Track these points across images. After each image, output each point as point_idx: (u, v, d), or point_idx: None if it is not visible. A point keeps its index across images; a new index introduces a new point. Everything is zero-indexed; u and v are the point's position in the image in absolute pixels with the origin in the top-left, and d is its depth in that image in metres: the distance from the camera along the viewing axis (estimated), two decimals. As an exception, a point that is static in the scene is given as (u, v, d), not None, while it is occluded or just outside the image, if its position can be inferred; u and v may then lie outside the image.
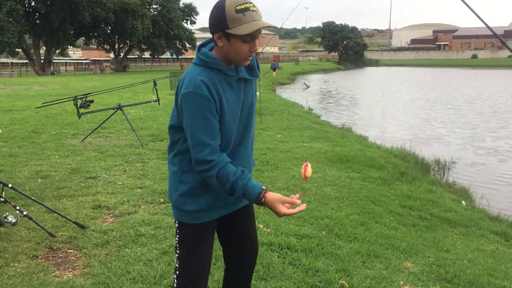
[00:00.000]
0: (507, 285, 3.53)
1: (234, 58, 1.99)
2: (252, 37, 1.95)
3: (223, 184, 1.91)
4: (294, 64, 67.12)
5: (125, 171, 6.18)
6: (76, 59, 71.12)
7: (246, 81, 2.08)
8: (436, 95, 27.24)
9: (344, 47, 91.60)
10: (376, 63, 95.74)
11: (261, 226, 4.25)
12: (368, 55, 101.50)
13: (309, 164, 2.74)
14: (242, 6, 1.91)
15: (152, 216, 4.44)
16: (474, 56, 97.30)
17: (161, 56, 61.96)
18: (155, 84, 8.55)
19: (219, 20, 1.94)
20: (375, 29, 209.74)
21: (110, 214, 4.56)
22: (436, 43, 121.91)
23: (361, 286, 3.20)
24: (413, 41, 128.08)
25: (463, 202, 6.60)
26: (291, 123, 11.60)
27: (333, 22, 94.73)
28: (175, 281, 2.16)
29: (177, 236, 2.15)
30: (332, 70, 68.99)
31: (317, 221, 4.51)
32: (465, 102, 22.70)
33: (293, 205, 1.95)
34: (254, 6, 1.94)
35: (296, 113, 14.34)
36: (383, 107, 21.76)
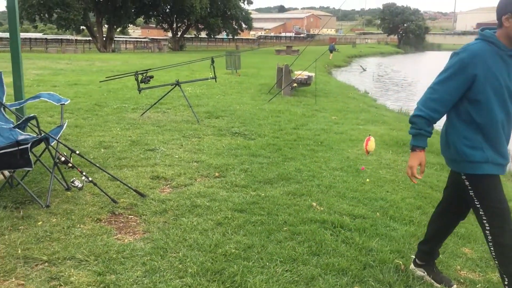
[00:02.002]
0: None
1: None
2: None
3: None
4: (351, 47, 65.69)
5: (181, 145, 6.34)
6: (136, 38, 73.03)
7: None
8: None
9: (405, 30, 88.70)
10: (438, 47, 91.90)
11: (314, 204, 4.26)
12: (429, 39, 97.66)
13: (372, 138, 2.77)
14: None
15: (207, 189, 4.55)
16: None
17: (217, 36, 62.42)
18: (212, 61, 8.65)
19: (511, 3, 2.36)
20: (438, 12, 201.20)
21: (167, 185, 4.71)
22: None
23: (416, 268, 3.15)
24: (480, 25, 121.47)
25: None
26: (346, 106, 11.42)
27: (394, 4, 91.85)
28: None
29: None
30: (391, 53, 67.00)
31: (371, 202, 4.46)
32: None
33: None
34: None
35: (351, 95, 14.10)
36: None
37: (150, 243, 3.35)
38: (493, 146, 2.51)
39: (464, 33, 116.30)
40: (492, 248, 2.56)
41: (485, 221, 2.54)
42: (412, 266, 3.10)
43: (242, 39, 78.01)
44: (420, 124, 2.56)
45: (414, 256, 3.11)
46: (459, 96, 2.49)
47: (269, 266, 3.04)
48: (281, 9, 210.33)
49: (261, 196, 4.41)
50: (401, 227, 3.90)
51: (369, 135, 3.22)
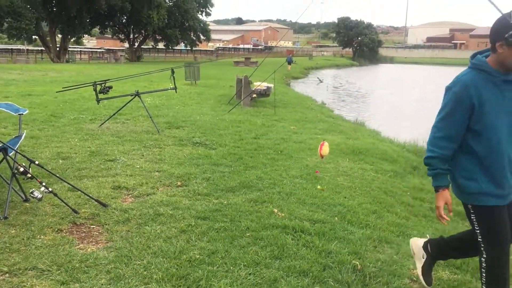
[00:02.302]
0: None
1: (510, 63, 2.40)
2: None
3: None
4: (308, 59, 66.96)
5: (142, 155, 6.33)
6: (91, 48, 71.59)
7: None
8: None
9: (359, 43, 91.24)
10: (390, 60, 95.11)
11: (275, 210, 4.38)
12: (382, 52, 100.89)
13: (325, 143, 2.89)
14: None
15: (170, 198, 4.59)
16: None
17: (175, 47, 62.20)
18: (173, 72, 8.69)
19: (505, 29, 2.34)
20: (390, 26, 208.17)
21: (129, 194, 4.71)
22: (453, 41, 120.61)
23: (373, 267, 3.32)
24: (429, 39, 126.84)
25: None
26: (305, 116, 11.69)
27: (348, 18, 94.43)
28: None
29: None
30: (346, 66, 68.74)
31: (330, 208, 4.62)
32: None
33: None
34: None
35: (309, 106, 14.42)
36: (396, 104, 21.71)
37: (114, 251, 3.36)
38: (491, 177, 2.53)
39: (415, 46, 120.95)
40: (483, 275, 2.61)
41: (482, 249, 2.60)
42: (420, 242, 3.18)
43: (200, 50, 77.98)
44: (435, 164, 2.59)
45: (429, 237, 3.18)
46: (464, 128, 2.52)
47: (233, 270, 3.13)
48: (239, 21, 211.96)
49: (224, 203, 4.49)
50: (358, 231, 4.08)
51: (323, 140, 3.38)
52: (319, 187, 5.25)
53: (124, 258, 3.24)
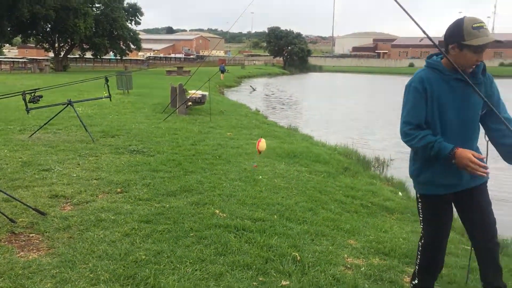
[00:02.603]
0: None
1: (461, 64, 2.58)
2: (481, 49, 2.53)
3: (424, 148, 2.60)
4: (240, 68, 67.61)
5: (78, 164, 6.23)
6: (12, 58, 67.81)
7: (467, 84, 2.59)
8: (376, 99, 28.56)
9: (289, 52, 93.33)
10: (319, 69, 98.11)
11: (217, 211, 4.52)
12: (312, 61, 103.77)
13: (262, 140, 3.05)
14: (478, 25, 2.53)
15: (111, 204, 4.59)
16: (411, 65, 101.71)
17: (104, 57, 60.48)
18: (106, 80, 8.58)
19: (457, 33, 2.56)
20: (318, 36, 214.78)
21: (68, 202, 4.66)
22: (376, 51, 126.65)
23: (311, 258, 3.56)
24: (355, 48, 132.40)
25: (400, 193, 7.16)
26: (240, 122, 11.92)
27: (278, 28, 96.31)
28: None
29: None
30: (277, 74, 70.15)
31: (269, 207, 4.84)
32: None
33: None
34: (485, 25, 2.56)
35: (244, 113, 14.69)
36: (327, 110, 22.58)
37: (57, 257, 3.34)
38: (438, 167, 2.69)
39: (342, 56, 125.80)
40: (418, 256, 2.93)
41: (421, 233, 2.90)
42: None
43: (130, 59, 76.27)
44: (427, 143, 2.60)
45: None
46: (425, 111, 2.66)
47: (179, 268, 3.23)
48: (170, 30, 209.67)
49: (166, 207, 4.57)
50: (296, 226, 4.32)
51: (260, 137, 3.57)
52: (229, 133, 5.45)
53: (69, 263, 3.24)
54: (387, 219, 5.40)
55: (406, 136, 2.68)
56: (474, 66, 2.62)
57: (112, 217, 4.20)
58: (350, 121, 17.86)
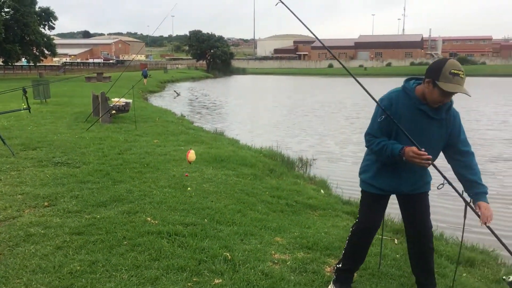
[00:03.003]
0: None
1: (428, 98, 2.86)
2: (449, 94, 2.77)
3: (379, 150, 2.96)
4: (163, 72, 66.77)
5: (0, 179, 6.04)
6: None
7: (428, 116, 2.92)
8: (298, 101, 29.55)
9: (212, 55, 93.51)
10: (243, 71, 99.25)
11: (149, 218, 4.65)
12: (235, 63, 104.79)
13: (192, 151, 3.29)
14: (455, 71, 2.73)
15: (39, 218, 4.56)
16: (330, 66, 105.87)
17: (15, 63, 57.07)
18: (25, 91, 8.31)
19: (436, 71, 2.78)
20: (240, 39, 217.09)
21: (-8, 219, 4.55)
22: (297, 53, 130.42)
23: (241, 256, 3.82)
24: (276, 50, 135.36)
25: (322, 191, 7.64)
26: (166, 129, 11.95)
27: (200, 31, 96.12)
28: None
29: None
30: (201, 78, 70.14)
31: (199, 211, 5.04)
32: (321, 107, 25.09)
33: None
34: (463, 74, 2.76)
35: (169, 119, 14.70)
36: (251, 113, 23.08)
37: (-12, 275, 3.33)
38: (383, 173, 3.09)
39: (265, 58, 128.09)
40: (347, 242, 3.35)
41: (354, 222, 3.33)
42: None
43: (45, 66, 72.61)
44: (381, 146, 2.94)
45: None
46: (388, 131, 2.98)
47: (115, 275, 3.35)
48: (86, 34, 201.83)
49: (97, 218, 4.61)
50: (226, 228, 4.56)
51: (190, 148, 3.77)
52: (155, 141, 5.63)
53: (2, 279, 3.25)
54: (311, 216, 5.79)
55: (367, 142, 3.09)
56: (440, 104, 2.88)
57: (42, 231, 4.19)
58: (273, 123, 18.43)
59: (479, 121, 18.86)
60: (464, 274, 4.26)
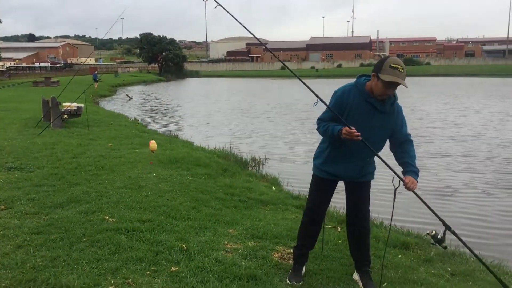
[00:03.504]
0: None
1: (374, 91, 3.28)
2: (390, 85, 3.18)
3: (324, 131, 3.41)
4: (114, 76, 65.61)
5: (-48, 185, 6.03)
6: None
7: (375, 108, 3.33)
8: (250, 103, 30.00)
9: (164, 58, 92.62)
10: (196, 74, 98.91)
11: (106, 217, 4.85)
12: (188, 66, 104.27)
13: (153, 141, 3.61)
14: (395, 65, 3.17)
15: (-3, 221, 4.66)
16: (283, 67, 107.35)
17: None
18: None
19: (379, 66, 3.22)
20: (192, 41, 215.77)
21: (-51, 224, 4.62)
22: (250, 55, 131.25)
23: (196, 247, 4.12)
24: (229, 53, 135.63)
25: (273, 187, 8.03)
26: (120, 133, 12.02)
27: (151, 34, 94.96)
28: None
29: None
30: (154, 81, 69.38)
31: (156, 209, 5.29)
32: (272, 109, 25.66)
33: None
34: (403, 69, 3.19)
35: (123, 123, 14.72)
36: (204, 115, 23.29)
37: (-50, 275, 3.45)
38: (332, 158, 3.50)
39: (217, 60, 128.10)
40: (301, 223, 3.80)
41: (306, 204, 3.77)
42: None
43: (-12, 70, 69.78)
44: (325, 126, 3.42)
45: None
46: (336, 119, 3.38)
47: (77, 268, 3.57)
48: (31, 37, 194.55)
49: (55, 218, 4.77)
50: (181, 223, 4.84)
51: (152, 139, 3.96)
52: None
53: (-35, 278, 3.39)
54: (262, 210, 6.15)
55: (317, 125, 3.53)
56: (385, 97, 3.31)
57: (1, 232, 4.32)
58: (226, 125, 18.75)
59: (422, 119, 19.96)
60: (399, 256, 4.74)
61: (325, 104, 3.41)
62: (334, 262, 4.11)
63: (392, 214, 3.69)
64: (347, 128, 3.22)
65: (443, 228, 3.39)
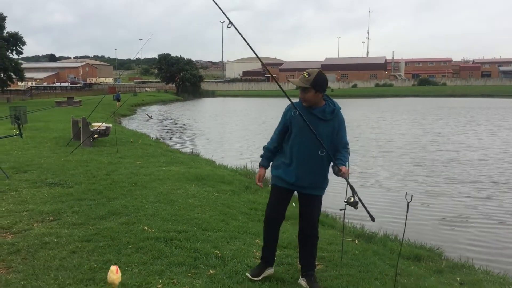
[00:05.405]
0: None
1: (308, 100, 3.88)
2: (299, 88, 3.79)
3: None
4: (132, 95, 67.02)
5: (3, 199, 6.63)
6: None
7: (318, 117, 3.82)
8: (266, 121, 30.58)
9: (181, 78, 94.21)
10: (212, 94, 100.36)
11: (146, 228, 5.38)
12: (204, 86, 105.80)
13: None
14: (304, 73, 3.86)
15: (49, 230, 5.22)
16: (298, 88, 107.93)
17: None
18: (17, 118, 8.92)
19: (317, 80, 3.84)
20: (209, 61, 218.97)
21: (7, 232, 5.19)
22: (265, 75, 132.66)
23: (229, 254, 4.63)
24: (245, 73, 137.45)
25: (293, 204, 8.48)
26: (146, 151, 12.65)
27: (168, 54, 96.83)
28: None
29: None
30: (171, 101, 70.71)
31: (188, 221, 5.80)
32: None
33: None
34: (307, 74, 3.85)
35: (147, 142, 15.38)
36: (222, 134, 23.92)
37: (19, 274, 3.99)
38: (285, 168, 3.91)
39: (233, 80, 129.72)
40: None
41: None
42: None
43: (11, 90, 71.94)
44: (263, 151, 4.06)
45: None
46: (284, 134, 3.98)
47: (128, 270, 4.08)
48: (52, 58, 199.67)
49: (100, 228, 5.31)
50: (213, 234, 5.34)
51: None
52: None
53: (33, 276, 3.93)
54: (285, 224, 6.60)
55: (268, 142, 4.15)
56: (303, 101, 3.84)
57: (55, 240, 4.87)
58: (244, 144, 19.29)
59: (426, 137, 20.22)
60: (412, 267, 5.18)
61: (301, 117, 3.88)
62: (352, 269, 4.57)
63: (405, 224, 4.14)
64: (257, 176, 4.16)
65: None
